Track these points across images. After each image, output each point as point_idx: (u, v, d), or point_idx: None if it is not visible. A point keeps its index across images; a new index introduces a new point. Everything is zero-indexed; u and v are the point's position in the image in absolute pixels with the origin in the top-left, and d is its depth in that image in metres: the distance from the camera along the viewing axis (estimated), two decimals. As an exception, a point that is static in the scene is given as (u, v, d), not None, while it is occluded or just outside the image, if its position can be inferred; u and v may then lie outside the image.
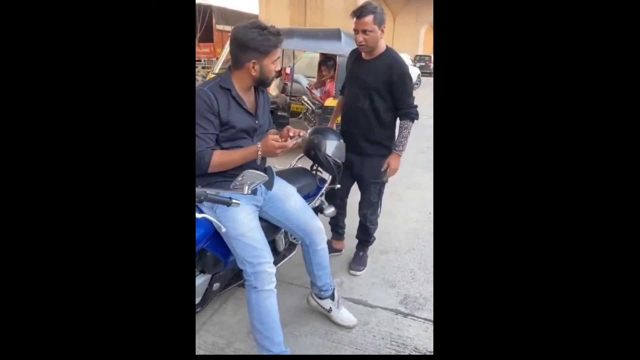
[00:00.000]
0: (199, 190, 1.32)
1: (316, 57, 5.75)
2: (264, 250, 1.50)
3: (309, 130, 2.18)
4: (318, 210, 2.14)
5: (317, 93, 5.04)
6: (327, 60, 4.99)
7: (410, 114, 2.06)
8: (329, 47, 4.59)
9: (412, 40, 29.32)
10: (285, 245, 2.03)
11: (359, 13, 1.91)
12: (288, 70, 5.17)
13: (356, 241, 2.45)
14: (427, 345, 1.79)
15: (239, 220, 1.48)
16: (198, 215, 1.38)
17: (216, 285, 1.73)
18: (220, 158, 1.45)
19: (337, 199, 2.32)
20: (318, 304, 1.93)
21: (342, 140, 2.08)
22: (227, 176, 1.49)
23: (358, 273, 2.33)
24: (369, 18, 1.90)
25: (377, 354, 1.74)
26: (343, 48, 4.43)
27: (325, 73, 5.03)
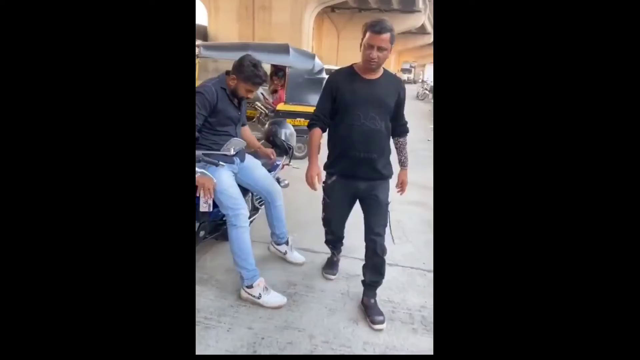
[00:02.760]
0: (197, 153, 1.96)
1: (267, 68, 6.46)
2: (240, 200, 2.16)
3: (267, 123, 2.88)
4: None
5: (269, 99, 5.77)
6: (277, 72, 5.72)
7: (407, 130, 2.14)
8: (279, 60, 5.30)
9: (355, 54, 30.85)
10: (250, 208, 2.69)
11: (379, 29, 1.79)
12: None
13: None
14: (348, 270, 2.53)
15: (223, 179, 2.12)
16: (197, 170, 2.02)
17: (202, 232, 2.36)
18: None
19: (334, 236, 2.31)
20: (276, 249, 2.61)
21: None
22: (214, 149, 2.14)
23: (383, 325, 2.01)
24: (387, 36, 1.81)
25: (319, 279, 2.43)
26: (291, 61, 5.19)
27: (276, 82, 5.76)
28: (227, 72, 2.23)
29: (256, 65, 2.11)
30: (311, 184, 2.00)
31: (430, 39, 44.32)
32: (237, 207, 2.13)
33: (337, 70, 2.10)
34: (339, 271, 2.51)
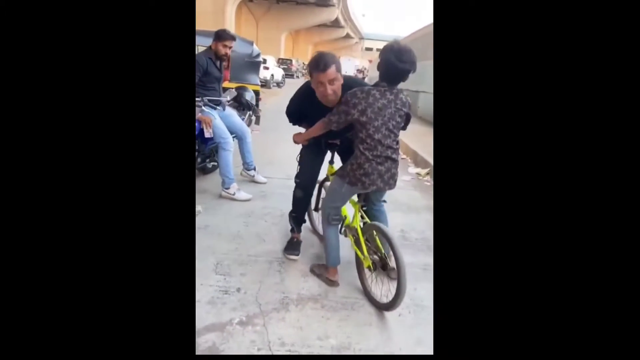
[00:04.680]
0: (204, 99, 3.11)
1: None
2: (227, 132, 3.33)
3: (234, 88, 4.04)
4: (242, 130, 4.02)
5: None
6: (221, 55, 6.76)
7: None
8: (223, 45, 6.35)
9: (274, 45, 31.93)
10: (226, 148, 3.87)
11: (322, 66, 1.87)
12: (193, 60, 6.77)
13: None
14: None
15: (216, 118, 3.27)
16: (204, 109, 3.15)
17: (199, 160, 3.48)
18: None
19: (305, 176, 2.44)
20: (247, 173, 3.81)
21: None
22: (216, 97, 3.30)
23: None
24: (333, 69, 1.88)
25: (278, 189, 3.68)
26: (234, 46, 6.27)
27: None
28: (210, 47, 3.41)
29: (225, 30, 3.39)
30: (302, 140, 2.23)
31: (343, 32, 46.84)
32: (226, 137, 3.31)
33: (307, 85, 2.14)
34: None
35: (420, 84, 8.63)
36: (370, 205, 2.21)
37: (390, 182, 1.91)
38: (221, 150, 3.30)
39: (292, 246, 2.48)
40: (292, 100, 2.31)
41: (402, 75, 1.79)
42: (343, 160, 2.23)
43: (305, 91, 2.18)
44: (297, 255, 2.44)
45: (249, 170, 3.81)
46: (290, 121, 2.40)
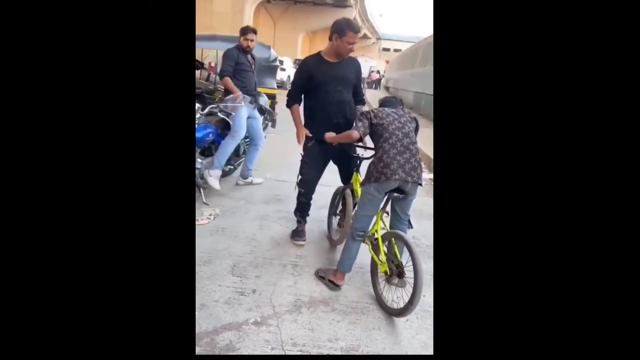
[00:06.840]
0: (227, 97, 3.27)
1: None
2: (245, 127, 3.49)
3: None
4: (258, 133, 4.15)
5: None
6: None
7: (363, 101, 2.81)
8: (242, 49, 6.49)
9: (291, 45, 32.03)
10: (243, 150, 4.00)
11: (357, 29, 2.49)
12: (213, 64, 6.89)
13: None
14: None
15: (243, 109, 3.43)
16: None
17: (229, 167, 3.62)
18: (228, 82, 3.41)
19: (306, 197, 2.81)
20: (244, 181, 3.96)
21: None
22: (251, 87, 3.58)
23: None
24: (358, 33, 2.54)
25: (288, 193, 3.79)
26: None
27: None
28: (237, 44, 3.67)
29: (247, 26, 3.69)
30: (299, 140, 2.72)
31: (360, 32, 46.55)
32: (241, 128, 3.46)
33: (307, 58, 2.75)
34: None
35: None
36: (394, 220, 2.30)
37: (413, 174, 2.02)
38: (228, 137, 3.45)
39: (298, 233, 2.84)
40: (295, 83, 2.71)
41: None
42: (343, 165, 2.77)
43: (302, 70, 2.66)
44: (304, 241, 2.79)
45: (246, 178, 3.97)
46: (289, 102, 2.70)
